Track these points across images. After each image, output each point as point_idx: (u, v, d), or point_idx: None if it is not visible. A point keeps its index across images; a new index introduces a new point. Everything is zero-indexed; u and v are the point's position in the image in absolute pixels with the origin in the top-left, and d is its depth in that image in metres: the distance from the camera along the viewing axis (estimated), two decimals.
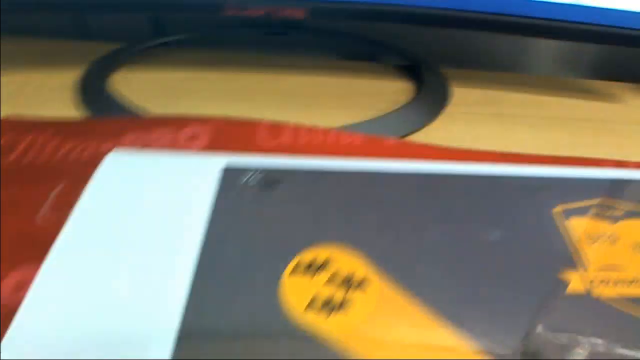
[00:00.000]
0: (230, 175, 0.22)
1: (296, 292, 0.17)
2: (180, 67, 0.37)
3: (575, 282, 0.19)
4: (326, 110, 0.34)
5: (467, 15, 0.32)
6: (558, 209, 0.22)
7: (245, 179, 0.22)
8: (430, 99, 0.35)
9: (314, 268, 0.18)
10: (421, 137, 0.32)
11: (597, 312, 0.18)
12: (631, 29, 0.31)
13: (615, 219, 0.22)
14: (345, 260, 0.19)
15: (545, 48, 0.45)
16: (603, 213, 0.22)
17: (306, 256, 0.19)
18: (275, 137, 0.28)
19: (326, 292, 0.18)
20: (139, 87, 0.34)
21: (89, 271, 0.17)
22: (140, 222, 0.20)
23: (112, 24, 0.41)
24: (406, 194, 0.22)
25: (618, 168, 0.28)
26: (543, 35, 0.34)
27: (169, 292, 0.17)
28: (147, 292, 0.17)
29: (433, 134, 0.32)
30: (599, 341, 0.16)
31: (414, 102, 0.35)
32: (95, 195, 0.21)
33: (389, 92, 0.36)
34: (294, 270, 0.18)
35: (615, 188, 0.23)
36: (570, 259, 0.20)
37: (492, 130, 0.33)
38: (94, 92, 0.33)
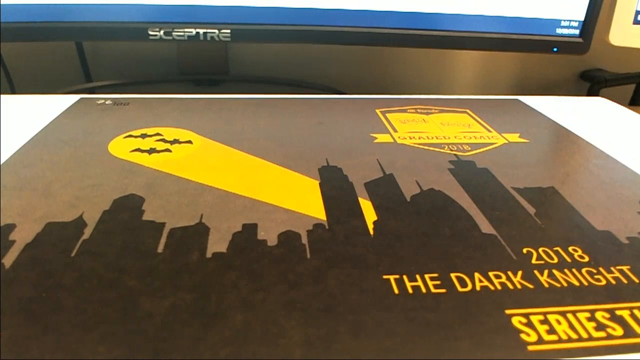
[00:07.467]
0: (84, 101, 0.24)
1: (123, 146, 0.19)
2: None
3: (384, 137, 0.22)
4: None
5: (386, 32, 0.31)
6: (379, 110, 0.26)
7: (98, 103, 0.24)
8: None
9: (143, 135, 0.20)
10: None
11: (399, 150, 0.21)
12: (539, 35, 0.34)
13: (428, 113, 0.26)
14: (174, 132, 0.21)
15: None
16: (416, 110, 0.26)
17: (136, 132, 0.21)
18: None
19: (153, 144, 0.19)
20: None
21: None
22: None
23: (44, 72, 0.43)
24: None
25: None
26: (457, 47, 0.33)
27: None
28: None
29: None
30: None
31: None
32: None
33: None
34: (124, 137, 0.20)
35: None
36: (385, 129, 0.23)
37: None
38: None
